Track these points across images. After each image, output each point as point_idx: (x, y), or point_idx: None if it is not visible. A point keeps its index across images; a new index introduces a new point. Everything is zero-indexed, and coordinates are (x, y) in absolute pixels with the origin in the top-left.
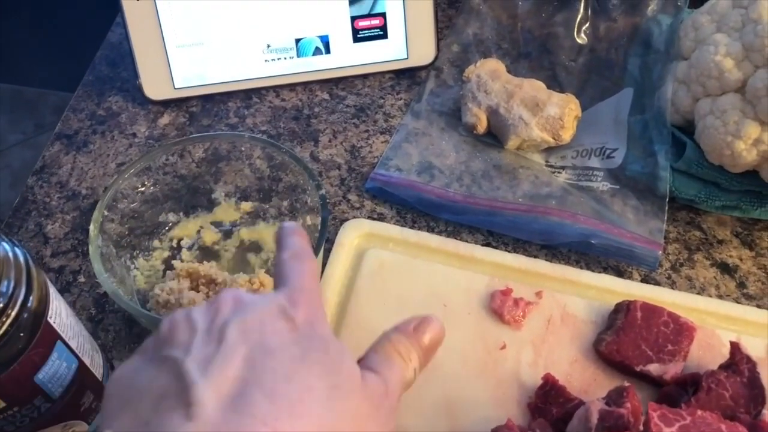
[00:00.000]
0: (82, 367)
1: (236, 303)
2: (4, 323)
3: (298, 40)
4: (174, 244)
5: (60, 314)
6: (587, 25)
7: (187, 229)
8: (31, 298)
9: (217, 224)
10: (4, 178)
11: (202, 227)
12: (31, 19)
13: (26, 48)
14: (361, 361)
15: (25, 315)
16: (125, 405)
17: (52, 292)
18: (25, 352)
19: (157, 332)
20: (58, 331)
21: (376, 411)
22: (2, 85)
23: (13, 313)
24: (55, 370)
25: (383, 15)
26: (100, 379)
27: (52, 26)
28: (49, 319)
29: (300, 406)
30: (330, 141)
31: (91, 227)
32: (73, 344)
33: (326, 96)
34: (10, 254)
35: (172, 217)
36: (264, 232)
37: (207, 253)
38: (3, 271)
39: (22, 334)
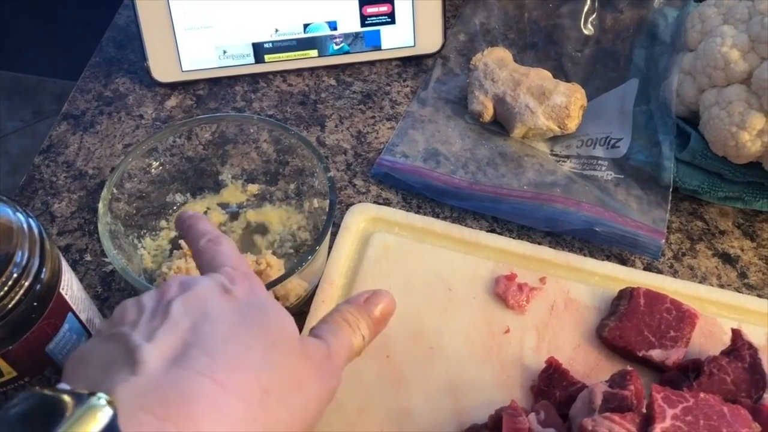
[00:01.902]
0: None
1: (180, 285)
2: (17, 293)
3: (306, 25)
4: None
5: (71, 287)
6: (594, 16)
7: (194, 209)
8: (44, 269)
9: (223, 206)
10: (2, 165)
11: (209, 208)
12: (31, 5)
13: (25, 35)
14: (312, 330)
15: (38, 286)
16: (79, 375)
17: (64, 264)
18: (37, 322)
19: (110, 317)
20: (70, 303)
21: (315, 369)
22: (1, 72)
23: (27, 284)
24: (65, 342)
25: (391, 2)
26: None
27: (52, 13)
28: (61, 290)
29: (238, 361)
30: (336, 126)
31: (100, 205)
32: (83, 317)
33: (333, 82)
34: (24, 225)
35: (179, 197)
36: (270, 215)
37: None
38: (18, 242)
39: (35, 304)
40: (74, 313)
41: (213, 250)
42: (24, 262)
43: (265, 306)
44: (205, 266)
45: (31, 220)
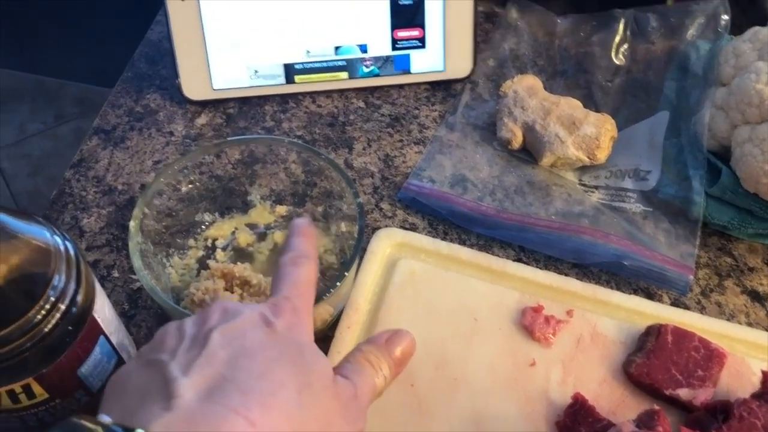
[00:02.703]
0: (120, 361)
1: (223, 312)
2: (54, 317)
3: (337, 48)
4: (209, 243)
5: (104, 309)
6: (625, 46)
7: (222, 229)
8: (79, 292)
9: (251, 226)
10: (23, 167)
11: (236, 228)
12: (54, 8)
13: (49, 38)
14: (336, 369)
15: (74, 309)
16: (117, 400)
17: (98, 287)
18: (70, 345)
19: (152, 340)
20: (102, 326)
21: (344, 410)
22: (24, 75)
23: (63, 307)
24: (96, 364)
25: (422, 26)
26: None
27: (76, 17)
28: (94, 313)
29: (271, 400)
30: (364, 149)
31: (132, 224)
32: (113, 339)
33: (362, 104)
34: (62, 248)
35: (207, 216)
36: None
37: (241, 254)
38: (56, 265)
39: (70, 328)
40: (106, 336)
41: (286, 270)
42: (61, 285)
43: (303, 344)
44: (272, 285)
45: (67, 243)
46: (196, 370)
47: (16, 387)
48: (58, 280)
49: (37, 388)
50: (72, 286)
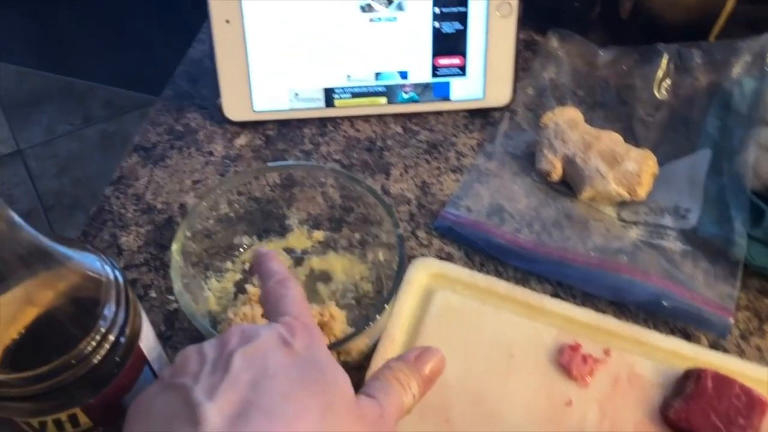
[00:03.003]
0: None
1: (241, 335)
2: (104, 347)
3: (378, 74)
4: (246, 267)
5: (149, 338)
6: (668, 81)
7: None
8: (128, 322)
9: (289, 250)
10: (50, 167)
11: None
12: (87, 13)
13: (79, 41)
14: (365, 387)
15: (122, 339)
16: (141, 425)
17: (143, 315)
18: (117, 375)
19: (172, 363)
20: (147, 355)
21: (368, 430)
22: (55, 76)
23: (113, 338)
24: (139, 393)
25: (464, 54)
26: None
27: (107, 21)
28: (140, 343)
29: (296, 422)
30: (401, 175)
31: (174, 246)
32: (155, 367)
33: (400, 129)
34: (111, 277)
35: (245, 240)
36: (334, 263)
37: None
38: (107, 295)
39: (117, 359)
40: (149, 364)
41: (278, 293)
42: (111, 315)
43: (323, 363)
44: (270, 310)
45: (117, 272)
46: (220, 395)
47: (63, 416)
48: (109, 310)
49: (82, 418)
50: (121, 316)
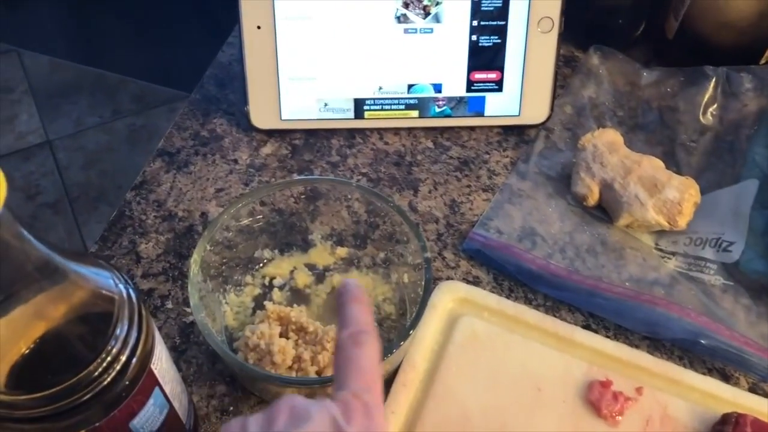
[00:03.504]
0: (171, 411)
1: (290, 414)
2: (114, 369)
3: (410, 86)
4: (266, 281)
5: (161, 360)
6: (714, 105)
7: (281, 267)
8: (140, 342)
9: (310, 266)
10: (78, 158)
11: (295, 268)
12: (119, 4)
13: (111, 33)
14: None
15: (133, 361)
16: None
17: (156, 336)
18: (126, 398)
19: None
20: (158, 378)
21: None
22: (86, 68)
23: (124, 358)
24: (148, 417)
25: (501, 69)
26: (184, 422)
27: (141, 16)
28: (152, 365)
29: None
30: (430, 192)
31: (193, 257)
32: (167, 389)
33: (430, 144)
34: (124, 294)
35: (267, 253)
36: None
37: (298, 295)
38: (119, 314)
39: (127, 382)
40: (161, 387)
41: (349, 353)
42: (123, 335)
43: None
44: (336, 371)
45: (130, 290)
46: None
47: None
48: (121, 329)
49: None
50: (133, 336)
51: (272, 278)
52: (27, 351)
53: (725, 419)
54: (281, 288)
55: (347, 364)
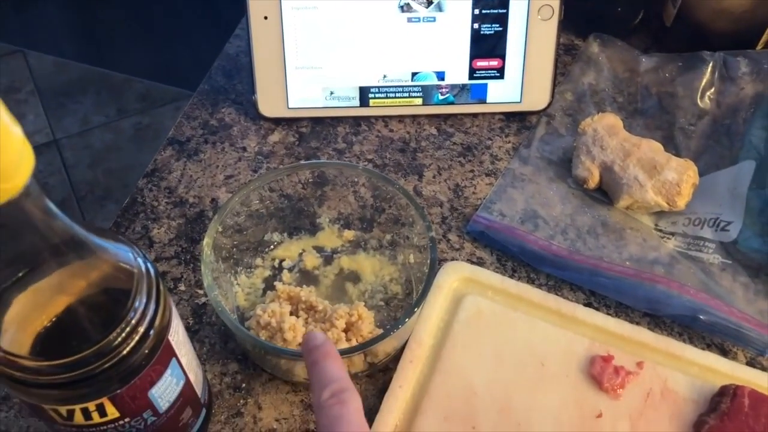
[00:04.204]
0: (187, 383)
1: None
2: (133, 339)
3: (414, 74)
4: (276, 264)
5: (178, 332)
6: (712, 90)
7: (290, 250)
8: (158, 314)
9: (319, 249)
10: (84, 157)
11: (304, 250)
12: (123, 4)
13: (116, 32)
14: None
15: (151, 332)
16: None
17: (173, 309)
18: (145, 368)
19: None
20: (175, 349)
21: None
22: (91, 67)
23: (142, 330)
24: (166, 386)
25: (503, 57)
26: (199, 395)
27: (143, 13)
28: (169, 336)
29: None
30: (434, 177)
31: (205, 240)
32: (183, 362)
33: (434, 131)
34: (143, 269)
35: (276, 236)
36: (364, 263)
37: (307, 276)
38: (138, 287)
39: (147, 351)
40: (177, 358)
41: (336, 413)
42: (142, 307)
43: None
44: (321, 427)
45: (149, 264)
46: None
47: (91, 405)
48: (140, 302)
49: (109, 408)
50: (151, 308)
51: (282, 260)
52: (52, 320)
53: (723, 391)
54: (290, 270)
55: (334, 424)
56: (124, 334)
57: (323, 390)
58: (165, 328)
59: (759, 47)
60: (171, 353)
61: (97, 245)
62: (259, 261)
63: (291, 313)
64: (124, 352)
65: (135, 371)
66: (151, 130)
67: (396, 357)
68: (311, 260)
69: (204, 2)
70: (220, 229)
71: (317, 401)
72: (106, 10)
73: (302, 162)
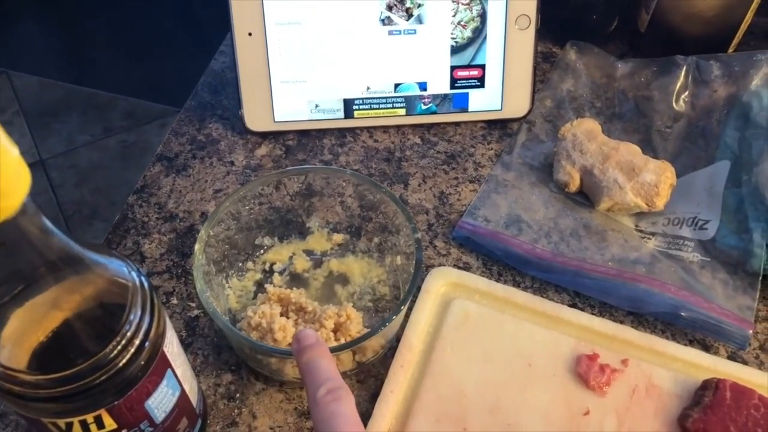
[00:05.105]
0: (183, 394)
1: None
2: (129, 351)
3: (397, 85)
4: (266, 267)
5: (172, 343)
6: (686, 93)
7: (281, 254)
8: (152, 327)
9: (308, 252)
10: (70, 176)
11: (294, 253)
12: (107, 23)
13: (100, 51)
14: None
15: (147, 344)
16: None
17: (167, 320)
18: (141, 379)
19: None
20: (170, 360)
21: None
22: (76, 87)
23: (138, 342)
24: (162, 397)
25: (482, 66)
26: (194, 406)
27: (127, 31)
28: (164, 348)
29: None
30: (419, 185)
31: (197, 246)
32: (179, 372)
33: (418, 140)
34: (137, 282)
35: (267, 240)
36: (353, 266)
37: (297, 279)
38: (132, 300)
39: (142, 363)
40: (173, 369)
41: (330, 411)
42: (137, 320)
43: None
44: (320, 429)
45: (143, 278)
46: None
47: (89, 417)
48: (134, 315)
49: (107, 419)
50: (146, 320)
51: (272, 264)
52: (49, 335)
53: (706, 385)
54: (281, 273)
55: (331, 419)
56: (120, 347)
57: (319, 387)
58: (160, 339)
59: (731, 50)
60: (166, 364)
61: (92, 260)
62: (250, 265)
63: (281, 315)
64: (121, 364)
65: (131, 383)
66: (137, 148)
67: (384, 355)
68: (301, 263)
69: (187, 20)
70: (212, 233)
71: (313, 398)
72: (89, 29)
73: (290, 168)
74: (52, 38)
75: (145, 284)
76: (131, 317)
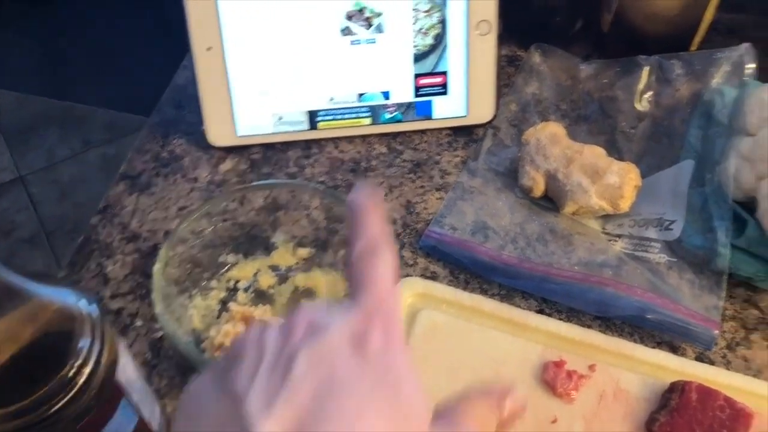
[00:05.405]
0: (140, 422)
1: (309, 327)
2: (77, 382)
3: (360, 95)
4: (231, 285)
5: (126, 371)
6: (649, 93)
7: (245, 270)
8: (103, 356)
9: (274, 268)
10: (53, 191)
11: (259, 270)
12: (82, 36)
13: (77, 65)
14: (437, 412)
15: (97, 374)
16: (189, 424)
17: (122, 348)
18: (91, 411)
19: (229, 348)
20: (125, 388)
21: None
22: (54, 101)
23: (87, 371)
24: (116, 428)
25: (445, 73)
26: (157, 430)
27: (102, 44)
28: (117, 376)
29: None
30: (386, 195)
31: (156, 266)
32: (135, 398)
33: (384, 149)
34: (85, 311)
35: (231, 258)
36: (319, 280)
37: (262, 296)
38: (80, 330)
39: (93, 392)
40: (128, 397)
41: (365, 264)
42: (86, 349)
43: (401, 377)
44: (351, 283)
45: (92, 307)
46: (278, 407)
47: None
48: (83, 344)
49: None
50: (96, 349)
51: (237, 281)
52: None
53: (673, 387)
54: (246, 290)
55: (364, 276)
56: (68, 378)
57: (357, 241)
58: (112, 368)
59: (694, 48)
60: (119, 394)
61: (35, 292)
62: (214, 283)
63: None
64: (70, 395)
65: (83, 414)
66: (118, 160)
67: None
68: (266, 279)
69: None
70: (171, 254)
71: (353, 254)
72: (66, 44)
73: (253, 183)
74: (28, 53)
75: (93, 312)
76: (79, 346)
